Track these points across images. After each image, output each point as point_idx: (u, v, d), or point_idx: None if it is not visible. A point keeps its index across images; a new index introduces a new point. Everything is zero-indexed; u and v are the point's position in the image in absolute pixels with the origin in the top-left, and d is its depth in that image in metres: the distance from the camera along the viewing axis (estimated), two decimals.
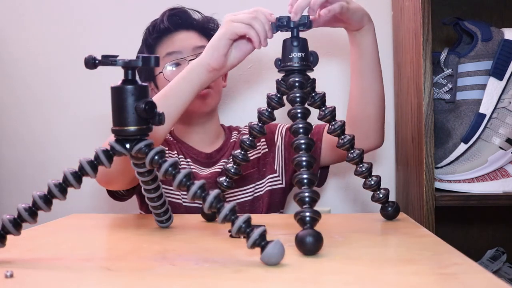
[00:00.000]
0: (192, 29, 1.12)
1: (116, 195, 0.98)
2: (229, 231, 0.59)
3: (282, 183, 1.10)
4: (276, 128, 1.13)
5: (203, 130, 1.12)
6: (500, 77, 1.01)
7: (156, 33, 1.11)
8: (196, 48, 1.08)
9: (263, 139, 1.12)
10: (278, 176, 1.10)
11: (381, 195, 0.81)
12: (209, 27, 1.14)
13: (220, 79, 1.10)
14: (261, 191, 1.09)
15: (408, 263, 0.57)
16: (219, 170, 1.07)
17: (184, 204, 1.04)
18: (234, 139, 1.14)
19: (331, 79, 1.35)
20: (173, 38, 1.10)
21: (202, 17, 1.16)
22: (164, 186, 0.87)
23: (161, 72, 1.08)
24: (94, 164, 0.62)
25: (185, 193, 1.03)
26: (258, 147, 1.11)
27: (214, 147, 1.12)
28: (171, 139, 1.12)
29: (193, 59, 1.06)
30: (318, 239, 0.60)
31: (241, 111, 1.36)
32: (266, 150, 1.11)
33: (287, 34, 0.73)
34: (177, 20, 1.11)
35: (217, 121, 1.16)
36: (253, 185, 1.08)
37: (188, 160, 1.09)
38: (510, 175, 1.01)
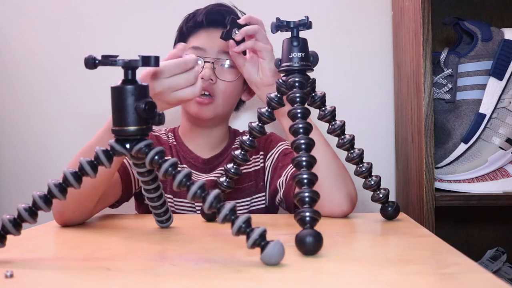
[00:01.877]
0: None
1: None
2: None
3: (265, 203, 1.07)
4: (276, 146, 1.07)
5: (207, 135, 1.08)
6: (500, 77, 1.01)
7: (192, 23, 1.06)
8: (220, 52, 1.02)
9: (262, 152, 1.09)
10: (264, 194, 1.07)
11: (381, 195, 0.81)
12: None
13: (231, 87, 1.04)
14: (258, 205, 1.07)
15: (408, 263, 0.57)
16: (216, 178, 1.03)
17: (177, 212, 1.03)
18: (237, 145, 1.10)
19: (331, 79, 1.35)
20: (206, 33, 1.04)
21: None
22: None
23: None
24: (94, 164, 0.62)
25: (178, 200, 1.03)
26: (256, 161, 1.08)
27: (214, 152, 1.08)
28: (172, 140, 1.10)
29: (212, 62, 1.02)
30: (318, 239, 0.60)
31: (241, 111, 1.36)
32: (263, 164, 1.08)
33: (287, 34, 0.73)
34: (216, 17, 1.04)
35: (224, 128, 1.11)
36: (249, 198, 1.06)
37: (184, 165, 1.06)
38: (510, 175, 1.01)
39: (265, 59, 0.88)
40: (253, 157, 1.08)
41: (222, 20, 1.03)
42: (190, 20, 1.07)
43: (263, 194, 1.07)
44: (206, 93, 1.01)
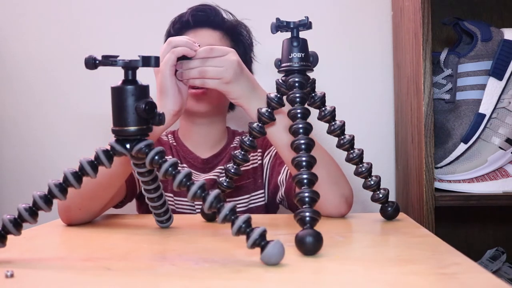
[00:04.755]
0: (218, 28, 1.07)
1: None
2: None
3: (264, 200, 1.08)
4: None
5: (205, 133, 1.09)
6: (499, 77, 1.01)
7: (179, 25, 1.07)
8: None
9: (260, 150, 1.09)
10: (263, 192, 1.08)
11: (380, 195, 0.81)
12: (237, 32, 1.10)
13: None
14: (256, 202, 1.07)
15: (408, 263, 0.57)
16: (215, 177, 1.05)
17: (178, 211, 1.04)
18: (235, 144, 1.10)
19: (331, 80, 1.36)
20: (195, 34, 1.05)
21: (234, 20, 1.12)
22: None
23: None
24: (94, 164, 0.62)
25: (178, 199, 1.04)
26: (254, 158, 1.08)
27: (212, 152, 1.08)
28: (171, 141, 1.10)
29: None
30: (318, 239, 0.60)
31: (241, 111, 1.36)
32: (261, 161, 1.09)
33: (287, 34, 0.73)
34: (202, 16, 1.07)
35: (222, 125, 1.12)
36: (248, 196, 1.06)
37: (184, 165, 1.07)
38: (510, 175, 1.01)
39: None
40: (251, 154, 1.08)
41: (207, 20, 1.06)
42: (177, 22, 1.08)
43: (262, 191, 1.07)
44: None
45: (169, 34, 1.10)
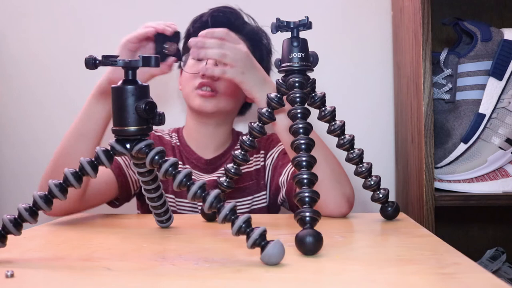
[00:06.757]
0: (237, 32, 1.03)
1: (109, 202, 0.98)
2: None
3: (266, 201, 1.08)
4: (276, 145, 1.07)
5: (211, 135, 1.08)
6: (499, 77, 1.01)
7: (198, 24, 1.07)
8: None
9: (263, 151, 1.09)
10: (266, 193, 1.08)
11: (380, 195, 0.81)
12: (256, 38, 1.09)
13: (234, 85, 0.91)
14: (259, 204, 1.07)
15: (408, 263, 0.57)
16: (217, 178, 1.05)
17: (179, 212, 1.04)
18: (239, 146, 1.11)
19: (331, 80, 1.35)
20: None
21: (255, 26, 1.11)
22: None
23: (181, 61, 1.04)
24: (95, 164, 0.62)
25: (179, 200, 1.04)
26: (257, 160, 1.08)
27: (216, 153, 1.08)
28: (175, 140, 1.10)
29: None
30: (318, 239, 0.60)
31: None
32: (264, 163, 1.09)
33: (287, 35, 0.73)
34: (221, 18, 1.07)
35: (228, 127, 1.11)
36: (250, 197, 1.06)
37: (187, 166, 1.07)
38: (509, 175, 1.01)
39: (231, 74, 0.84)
40: (254, 156, 1.08)
41: (226, 22, 1.06)
42: (197, 21, 1.09)
43: (264, 193, 1.07)
44: (209, 88, 1.02)
45: (188, 32, 1.10)
